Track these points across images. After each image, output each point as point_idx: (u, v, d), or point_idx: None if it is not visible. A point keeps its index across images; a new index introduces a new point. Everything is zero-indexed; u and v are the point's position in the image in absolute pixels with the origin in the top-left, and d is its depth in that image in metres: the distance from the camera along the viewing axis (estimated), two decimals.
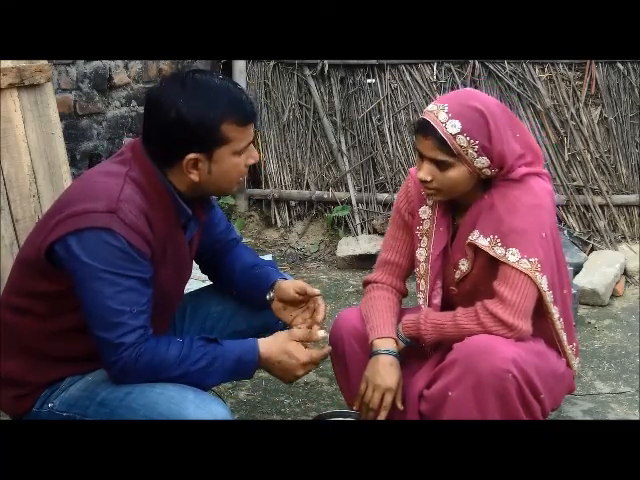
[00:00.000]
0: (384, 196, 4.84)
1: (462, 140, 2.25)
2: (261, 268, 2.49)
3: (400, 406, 2.38)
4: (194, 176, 2.09)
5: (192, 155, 2.06)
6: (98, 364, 2.14)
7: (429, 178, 2.31)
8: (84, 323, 2.07)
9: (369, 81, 4.89)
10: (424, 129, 2.30)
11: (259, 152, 4.87)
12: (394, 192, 4.78)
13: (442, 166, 2.29)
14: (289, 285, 2.39)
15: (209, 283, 2.69)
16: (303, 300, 2.38)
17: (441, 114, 2.28)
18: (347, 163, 4.92)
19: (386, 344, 2.40)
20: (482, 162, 2.29)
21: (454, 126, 2.26)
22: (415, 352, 2.49)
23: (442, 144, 2.26)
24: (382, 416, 2.36)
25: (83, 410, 2.12)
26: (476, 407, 2.25)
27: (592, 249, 4.54)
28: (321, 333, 2.25)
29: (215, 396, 2.24)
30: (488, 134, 2.27)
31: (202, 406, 2.01)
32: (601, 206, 4.65)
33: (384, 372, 2.36)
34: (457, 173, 2.30)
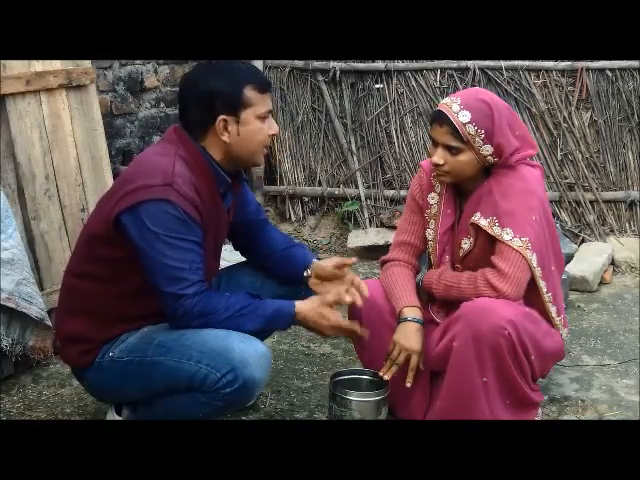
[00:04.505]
0: (391, 192, 4.98)
1: (471, 129, 2.56)
2: (295, 248, 2.76)
3: (422, 367, 2.66)
4: (225, 138, 2.39)
5: (222, 116, 2.37)
6: (151, 321, 2.44)
7: (442, 162, 2.62)
8: (142, 286, 2.35)
9: (377, 86, 5.01)
10: (439, 118, 2.61)
11: (275, 152, 5.08)
12: (400, 189, 4.94)
13: (453, 151, 2.59)
14: (327, 263, 2.66)
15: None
16: (339, 275, 2.62)
17: (454, 105, 2.59)
18: (356, 162, 5.05)
19: (413, 312, 2.68)
20: (487, 150, 2.59)
21: (465, 116, 2.56)
22: (429, 318, 2.79)
23: (454, 131, 2.57)
24: (410, 377, 2.62)
25: (142, 352, 2.39)
26: (475, 357, 2.53)
27: (582, 241, 4.69)
28: (347, 298, 2.49)
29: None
30: (492, 125, 2.57)
31: (245, 342, 2.31)
32: (591, 202, 4.82)
33: (411, 336, 2.63)
34: (466, 158, 2.61)
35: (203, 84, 2.38)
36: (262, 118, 2.42)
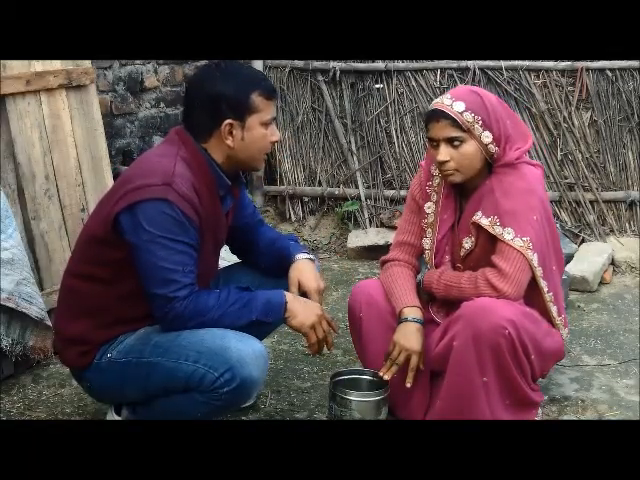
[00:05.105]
0: (391, 192, 4.99)
1: (468, 116, 2.57)
2: (282, 242, 2.77)
3: (422, 367, 2.67)
4: (229, 142, 2.39)
5: (228, 121, 2.37)
6: (148, 323, 2.44)
7: (447, 158, 2.60)
8: (141, 288, 2.34)
9: (377, 86, 5.02)
10: (435, 115, 2.61)
11: (275, 152, 5.08)
12: (400, 189, 4.95)
13: (456, 143, 2.59)
14: (295, 275, 2.63)
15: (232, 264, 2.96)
16: None
17: (446, 100, 2.60)
18: (356, 162, 5.06)
19: (413, 312, 2.68)
20: (487, 136, 2.59)
21: (460, 105, 2.57)
22: (430, 318, 2.79)
23: (453, 122, 2.57)
24: (410, 377, 2.63)
25: (139, 353, 2.39)
26: (475, 357, 2.53)
27: (582, 241, 4.69)
28: None
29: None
30: (487, 111, 2.59)
31: (243, 341, 2.31)
32: (591, 202, 4.83)
33: (411, 337, 2.63)
34: (470, 148, 2.60)
35: (210, 87, 2.38)
36: (266, 125, 2.43)
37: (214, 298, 2.36)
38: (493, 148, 2.64)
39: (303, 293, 2.61)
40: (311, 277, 2.63)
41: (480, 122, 2.59)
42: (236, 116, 2.38)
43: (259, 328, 2.48)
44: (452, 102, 2.60)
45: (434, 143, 2.65)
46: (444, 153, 2.62)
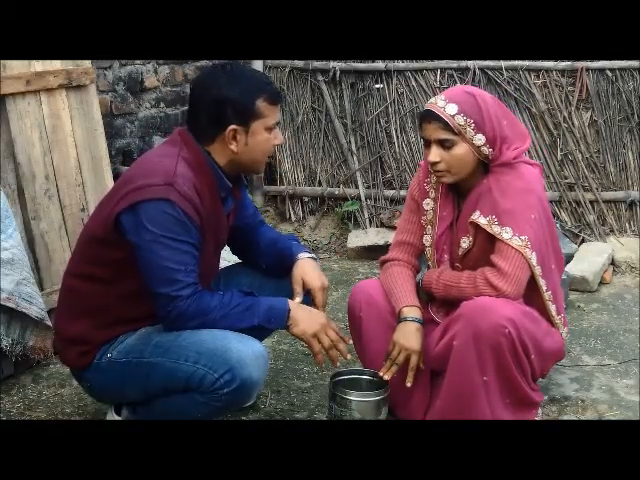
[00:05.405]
0: (391, 192, 5.00)
1: (460, 119, 2.57)
2: (283, 242, 2.77)
3: (422, 366, 2.67)
4: (233, 147, 2.39)
5: (233, 126, 2.37)
6: (149, 323, 2.44)
7: (438, 159, 2.61)
8: (142, 287, 2.34)
9: (377, 86, 5.03)
10: (427, 116, 2.62)
11: (275, 152, 5.05)
12: (400, 189, 4.95)
13: (447, 145, 2.59)
14: (298, 274, 2.64)
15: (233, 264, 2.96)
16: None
17: (439, 101, 2.61)
18: (356, 162, 5.07)
19: (412, 312, 2.68)
20: (479, 139, 2.59)
21: (452, 108, 2.57)
22: (429, 318, 2.79)
23: (445, 125, 2.57)
24: (410, 377, 2.63)
25: (139, 353, 2.39)
26: (475, 356, 2.53)
27: (582, 241, 4.70)
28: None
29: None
30: (480, 113, 2.58)
31: (243, 342, 2.32)
32: (591, 202, 4.83)
33: (411, 336, 2.63)
34: (461, 150, 2.60)
35: (215, 91, 2.37)
36: (270, 129, 2.43)
37: (217, 299, 2.36)
38: (486, 150, 2.64)
39: (307, 291, 2.62)
40: (314, 275, 2.64)
41: (472, 125, 2.59)
42: (240, 122, 2.38)
43: (260, 332, 2.49)
44: (445, 104, 2.60)
45: (427, 143, 2.66)
46: (434, 154, 2.63)
